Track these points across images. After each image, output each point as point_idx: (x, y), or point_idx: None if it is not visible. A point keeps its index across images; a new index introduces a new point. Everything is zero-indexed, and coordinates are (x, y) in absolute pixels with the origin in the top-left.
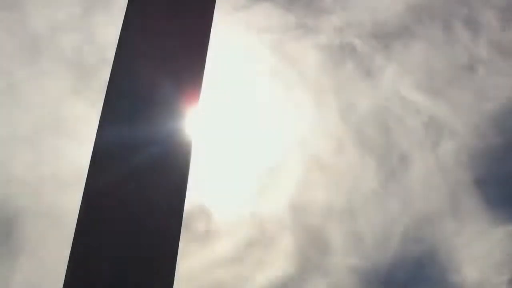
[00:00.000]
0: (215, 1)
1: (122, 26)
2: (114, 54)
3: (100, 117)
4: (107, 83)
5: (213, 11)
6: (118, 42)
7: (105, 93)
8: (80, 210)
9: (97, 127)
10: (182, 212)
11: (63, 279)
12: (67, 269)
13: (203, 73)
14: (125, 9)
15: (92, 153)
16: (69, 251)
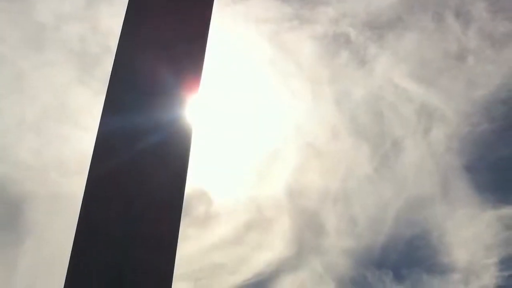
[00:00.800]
0: None
1: (125, 17)
2: (116, 44)
3: (103, 105)
4: (110, 72)
5: (213, 3)
6: (121, 32)
7: (108, 82)
8: (84, 194)
9: (100, 115)
10: (183, 197)
11: (68, 260)
12: (72, 250)
13: (203, 62)
14: (127, 1)
15: (96, 139)
16: (73, 234)
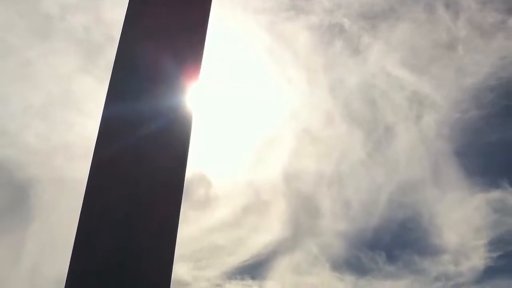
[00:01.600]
0: None
1: (127, 8)
2: (119, 34)
3: (107, 92)
4: (114, 60)
5: None
6: (124, 23)
7: (111, 70)
8: (88, 178)
9: (104, 102)
10: (183, 181)
11: (73, 241)
12: (76, 231)
13: (202, 52)
14: None
15: (100, 125)
16: (78, 215)
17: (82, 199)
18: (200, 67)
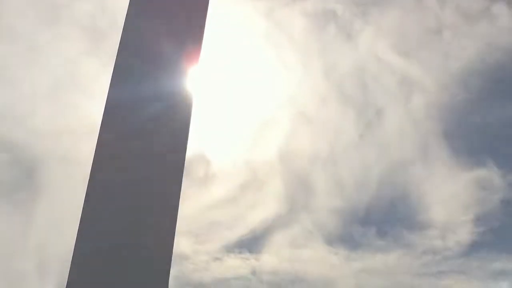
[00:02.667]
0: None
1: None
2: (124, 19)
3: (112, 76)
4: (118, 45)
5: None
6: (128, 9)
7: (116, 54)
8: (93, 158)
9: (109, 85)
10: (184, 160)
11: (79, 217)
12: (82, 208)
13: (202, 36)
14: None
15: (105, 107)
16: (84, 193)
17: (88, 177)
18: (200, 51)
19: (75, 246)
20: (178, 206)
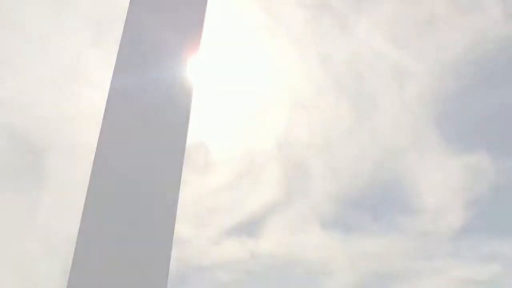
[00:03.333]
0: None
1: None
2: (126, 10)
3: (115, 66)
4: (121, 35)
5: None
6: (130, 0)
7: (119, 45)
8: (97, 146)
9: (112, 74)
10: (184, 148)
11: (83, 205)
12: (86, 196)
13: (202, 27)
14: None
15: (108, 96)
16: (88, 179)
17: (92, 163)
18: (200, 42)
19: (79, 229)
20: (178, 191)
